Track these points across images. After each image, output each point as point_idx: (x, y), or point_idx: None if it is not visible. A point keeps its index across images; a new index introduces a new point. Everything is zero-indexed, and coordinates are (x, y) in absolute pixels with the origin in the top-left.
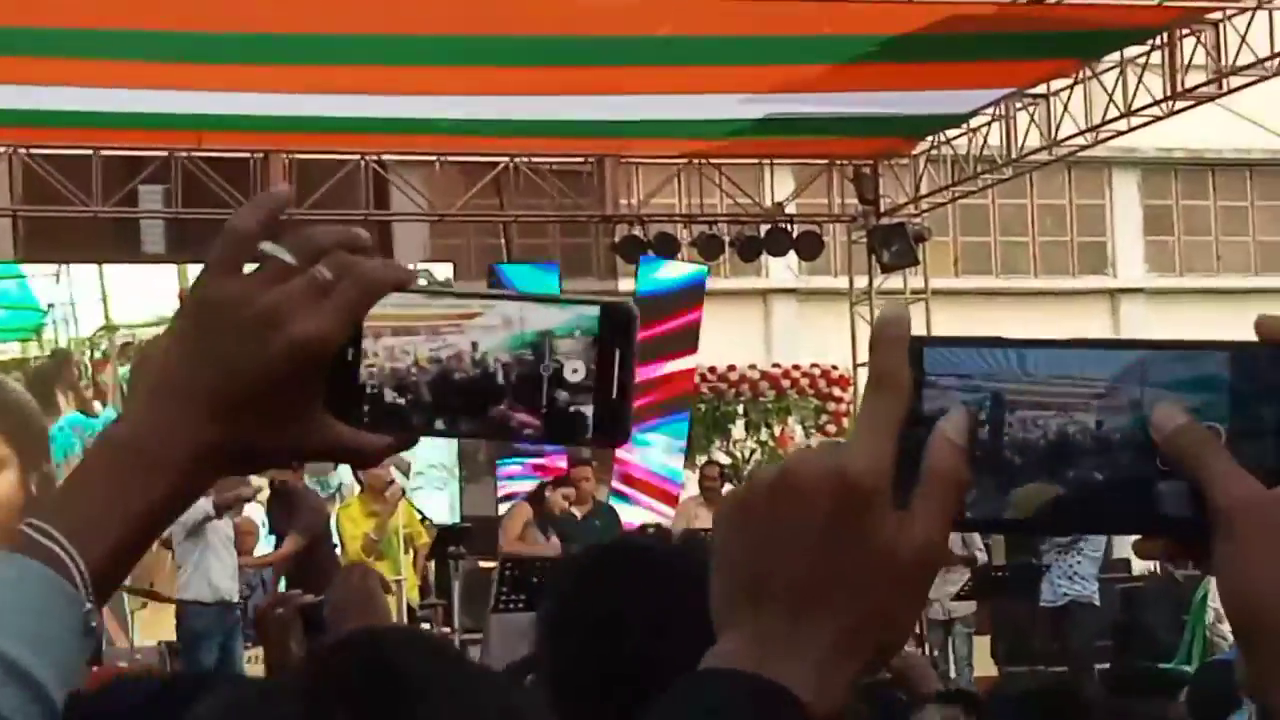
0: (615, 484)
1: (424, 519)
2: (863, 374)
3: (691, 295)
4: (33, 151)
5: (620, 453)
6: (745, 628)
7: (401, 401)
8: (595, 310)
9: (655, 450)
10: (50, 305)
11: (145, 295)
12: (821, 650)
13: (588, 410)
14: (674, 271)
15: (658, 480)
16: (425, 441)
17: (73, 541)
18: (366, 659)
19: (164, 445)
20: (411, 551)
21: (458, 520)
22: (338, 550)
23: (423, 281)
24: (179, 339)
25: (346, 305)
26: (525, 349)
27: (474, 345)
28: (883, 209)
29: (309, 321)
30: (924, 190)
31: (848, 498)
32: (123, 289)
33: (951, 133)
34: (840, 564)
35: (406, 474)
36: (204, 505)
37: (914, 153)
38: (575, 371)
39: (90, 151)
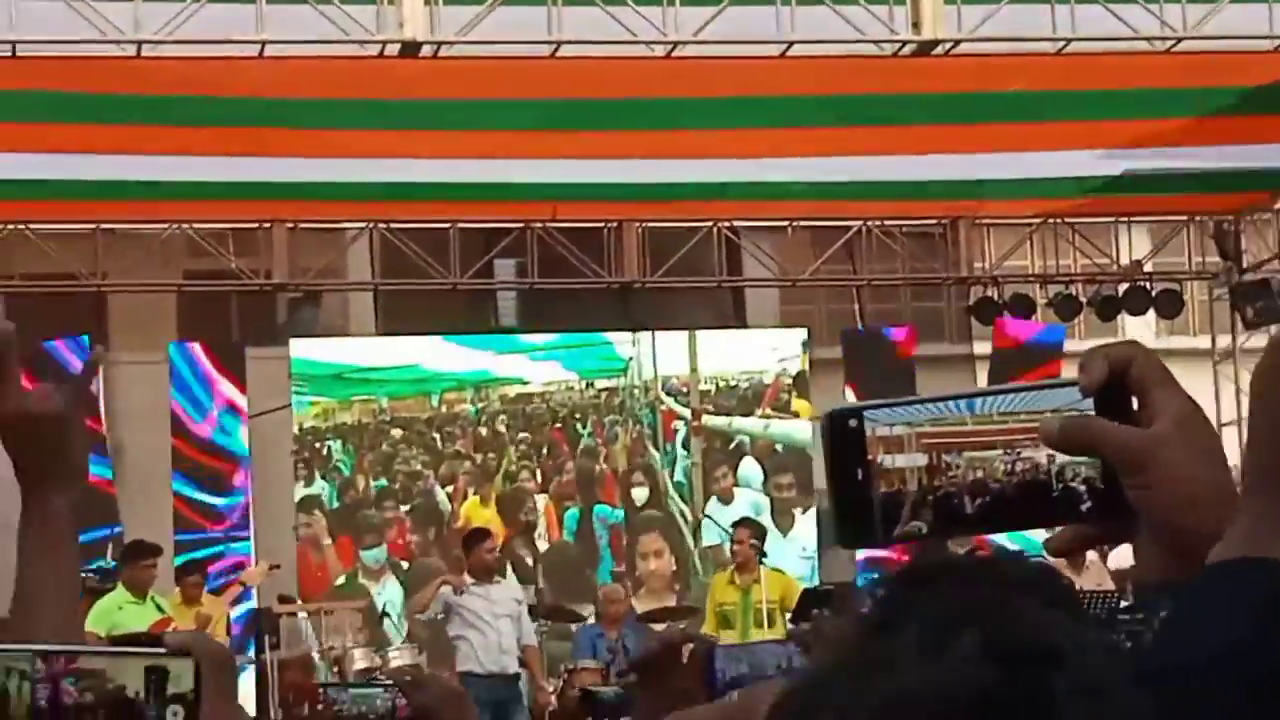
0: None
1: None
2: (1229, 433)
3: (1049, 355)
4: (392, 226)
5: None
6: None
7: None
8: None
9: None
10: None
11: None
12: None
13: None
14: (1030, 332)
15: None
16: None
17: None
18: None
19: None
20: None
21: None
22: None
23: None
24: None
25: None
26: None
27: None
28: (1245, 265)
29: None
30: None
31: None
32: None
33: None
34: None
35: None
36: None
37: (1276, 206)
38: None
39: (448, 225)
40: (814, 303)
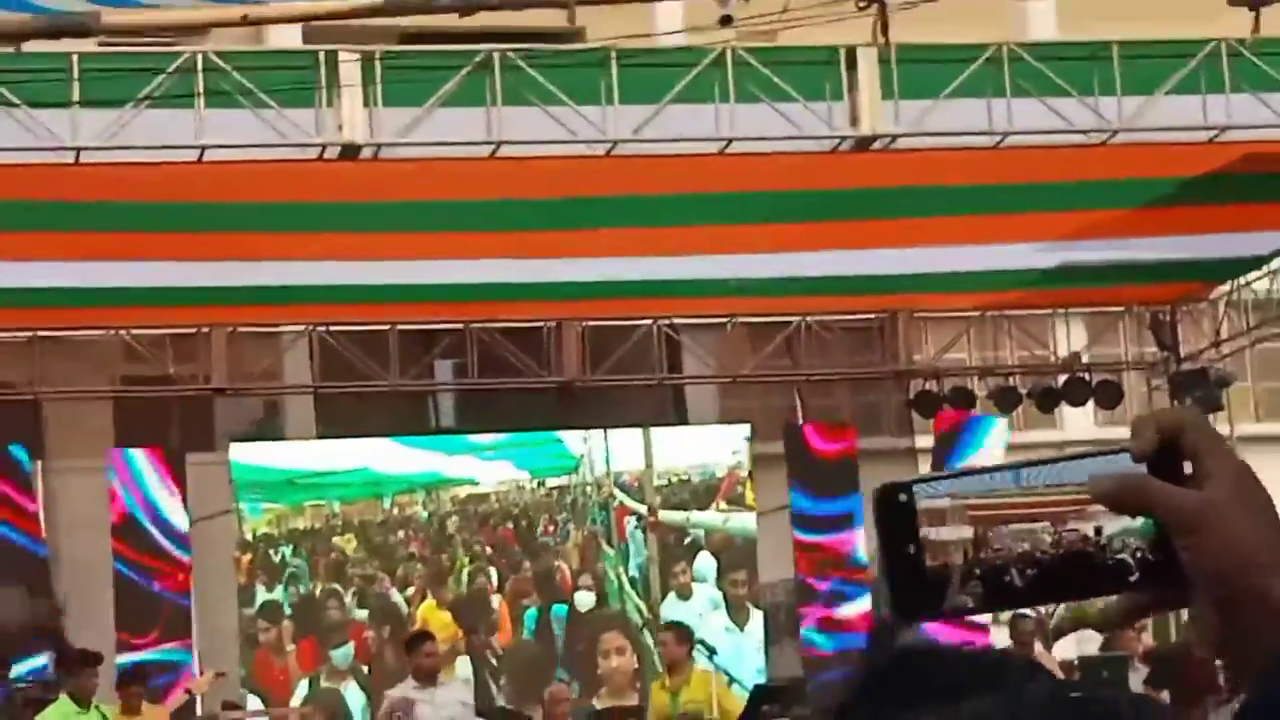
0: None
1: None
2: None
3: (987, 453)
4: (331, 328)
5: None
6: None
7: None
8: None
9: None
10: None
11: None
12: None
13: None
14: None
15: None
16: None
17: None
18: None
19: None
20: None
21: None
22: None
23: None
24: None
25: None
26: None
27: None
28: (1182, 354)
29: None
30: (1224, 335)
31: None
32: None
33: (1251, 275)
34: None
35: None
36: None
37: (1211, 296)
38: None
39: (387, 326)
40: (754, 399)
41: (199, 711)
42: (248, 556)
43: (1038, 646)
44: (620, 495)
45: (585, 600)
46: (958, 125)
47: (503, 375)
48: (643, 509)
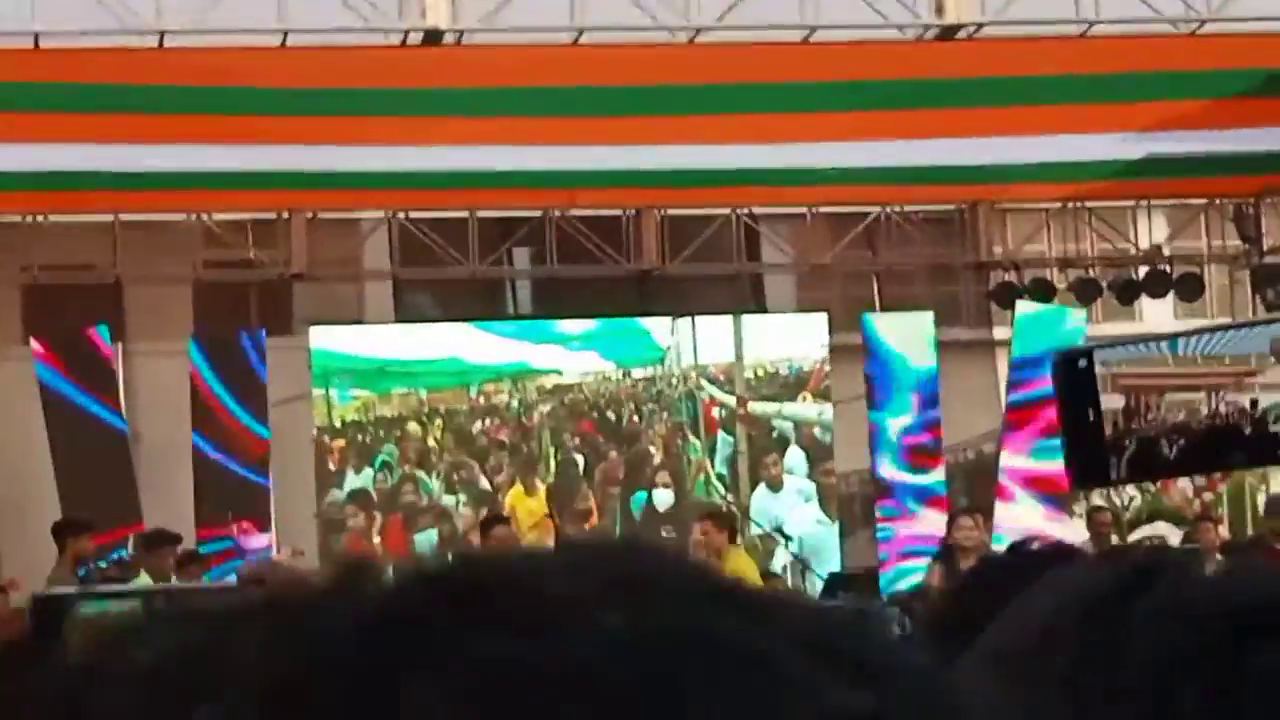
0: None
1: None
2: None
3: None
4: (410, 215)
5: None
6: None
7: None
8: None
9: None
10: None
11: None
12: None
13: None
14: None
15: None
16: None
17: None
18: None
19: None
20: None
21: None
22: None
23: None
24: None
25: None
26: None
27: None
28: (1265, 247)
29: None
30: None
31: None
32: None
33: None
34: None
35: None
36: None
37: None
38: None
39: (466, 213)
40: (832, 289)
41: None
42: (339, 442)
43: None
44: (709, 387)
45: (667, 493)
46: (1044, 14)
47: (581, 263)
48: (731, 400)
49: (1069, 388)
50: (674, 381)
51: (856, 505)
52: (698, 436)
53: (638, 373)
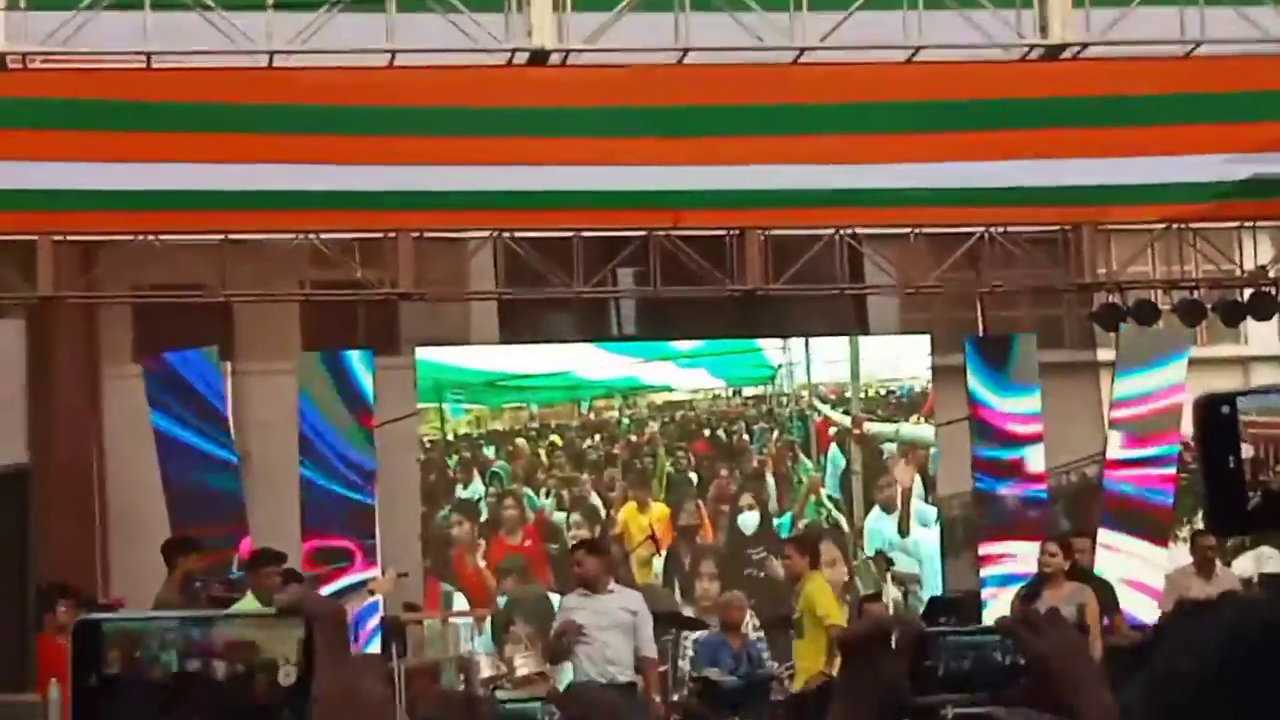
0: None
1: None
2: None
3: (1174, 368)
4: (515, 235)
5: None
6: None
7: None
8: None
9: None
10: None
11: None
12: None
13: None
14: (1158, 348)
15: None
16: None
17: None
18: None
19: None
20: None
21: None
22: None
23: None
24: None
25: None
26: None
27: None
28: None
29: None
30: None
31: None
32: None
33: None
34: None
35: None
36: None
37: None
38: None
39: (571, 234)
40: (935, 310)
41: (382, 612)
42: (454, 458)
43: (1217, 564)
44: (821, 407)
45: (773, 515)
46: (1149, 33)
47: (684, 283)
48: (846, 421)
49: (1211, 432)
50: (784, 400)
51: (959, 528)
52: (809, 456)
53: (747, 391)
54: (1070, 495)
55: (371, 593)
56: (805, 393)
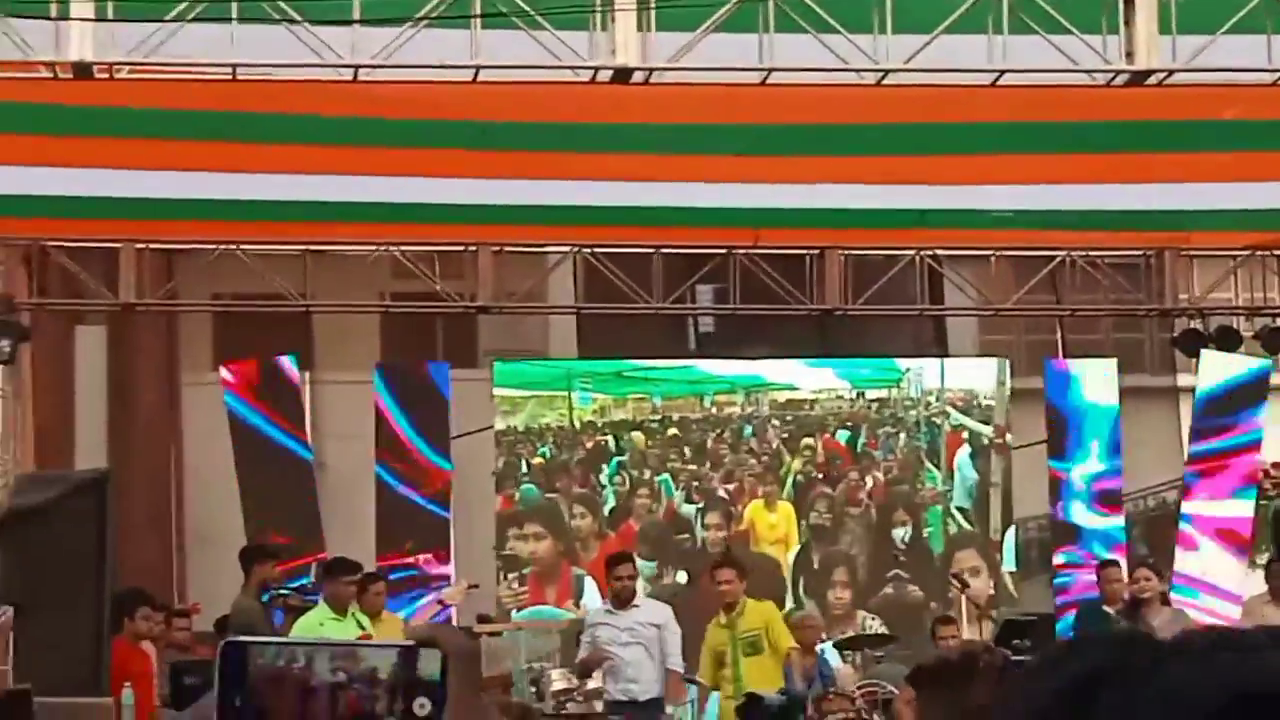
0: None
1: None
2: None
3: (1255, 390)
4: (595, 250)
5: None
6: None
7: None
8: None
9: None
10: None
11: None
12: None
13: None
14: (1236, 366)
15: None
16: None
17: None
18: None
19: None
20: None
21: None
22: None
23: None
24: None
25: None
26: None
27: None
28: None
29: None
30: None
31: None
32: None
33: None
34: None
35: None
36: None
37: None
38: None
39: (651, 249)
40: (1014, 332)
41: (454, 623)
42: (591, 442)
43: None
44: (962, 418)
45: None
46: (1235, 60)
47: (764, 302)
48: (988, 430)
49: None
50: (907, 405)
51: (1034, 550)
52: (936, 466)
53: (871, 393)
54: (1148, 520)
55: (442, 603)
56: (933, 399)
